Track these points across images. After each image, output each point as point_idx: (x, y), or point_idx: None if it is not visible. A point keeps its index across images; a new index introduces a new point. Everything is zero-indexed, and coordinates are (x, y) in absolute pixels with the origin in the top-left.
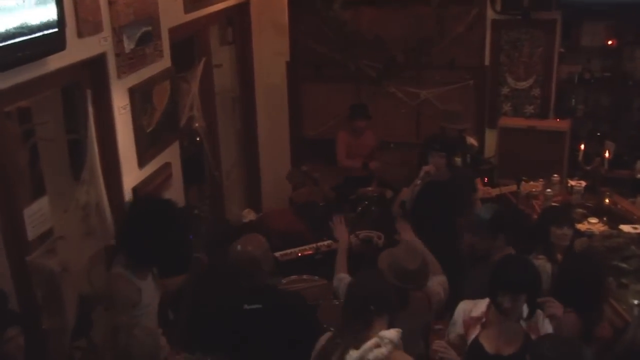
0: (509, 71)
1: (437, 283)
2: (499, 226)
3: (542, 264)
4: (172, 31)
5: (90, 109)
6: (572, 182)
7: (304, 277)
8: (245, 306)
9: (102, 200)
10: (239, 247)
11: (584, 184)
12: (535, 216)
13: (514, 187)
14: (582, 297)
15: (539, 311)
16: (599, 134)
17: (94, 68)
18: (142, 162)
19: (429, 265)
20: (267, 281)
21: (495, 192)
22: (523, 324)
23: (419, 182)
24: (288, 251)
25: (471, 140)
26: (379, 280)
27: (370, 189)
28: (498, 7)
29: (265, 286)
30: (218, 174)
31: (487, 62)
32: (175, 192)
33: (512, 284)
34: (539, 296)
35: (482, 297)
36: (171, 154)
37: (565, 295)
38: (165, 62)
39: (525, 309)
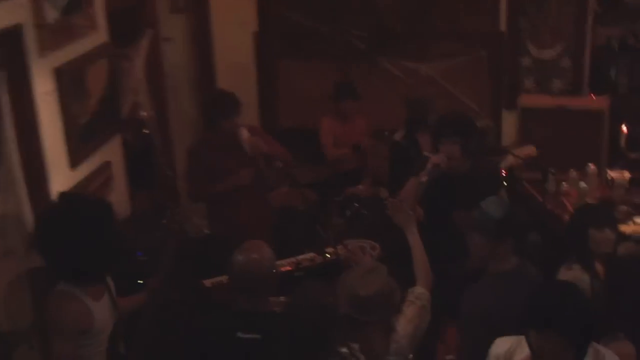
0: (531, 37)
1: (408, 320)
2: (510, 228)
3: (578, 275)
4: None
5: (5, 96)
6: (612, 174)
7: (282, 299)
8: (240, 334)
9: (23, 211)
10: (240, 256)
11: (628, 175)
12: (567, 217)
13: (531, 150)
14: (637, 320)
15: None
16: None
17: (8, 43)
18: (74, 162)
19: (395, 295)
20: (269, 302)
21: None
22: None
23: (424, 178)
24: None
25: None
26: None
27: (361, 187)
28: None
29: (265, 309)
30: (172, 175)
31: (503, 27)
32: (118, 198)
33: (547, 321)
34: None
35: (482, 323)
36: (112, 151)
37: (614, 317)
38: (100, 36)
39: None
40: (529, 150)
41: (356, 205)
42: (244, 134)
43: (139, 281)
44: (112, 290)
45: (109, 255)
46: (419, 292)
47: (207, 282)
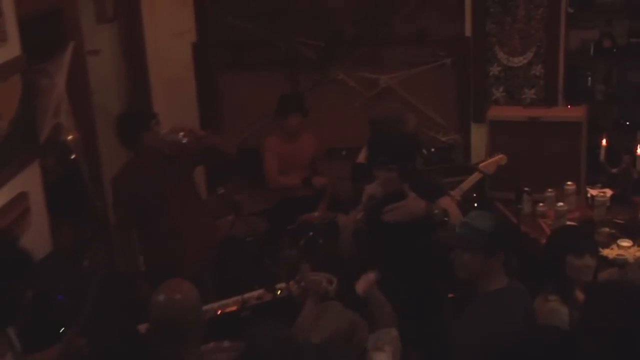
0: (500, 43)
1: None
2: (502, 241)
3: (555, 307)
4: (21, 3)
5: None
6: (592, 191)
7: (225, 344)
8: None
9: None
10: (161, 297)
11: (609, 193)
12: (544, 241)
13: (500, 158)
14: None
15: None
16: (627, 123)
17: None
18: None
19: (358, 332)
20: (197, 352)
21: (460, 190)
22: None
23: (359, 215)
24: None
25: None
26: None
27: (316, 214)
28: None
29: None
30: (101, 206)
31: (468, 31)
32: (36, 233)
33: None
34: None
35: (484, 347)
36: (28, 180)
37: (594, 354)
38: (11, 49)
39: None
40: (497, 159)
41: (310, 234)
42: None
43: (60, 329)
44: (15, 347)
45: (7, 307)
46: (393, 335)
47: (142, 328)
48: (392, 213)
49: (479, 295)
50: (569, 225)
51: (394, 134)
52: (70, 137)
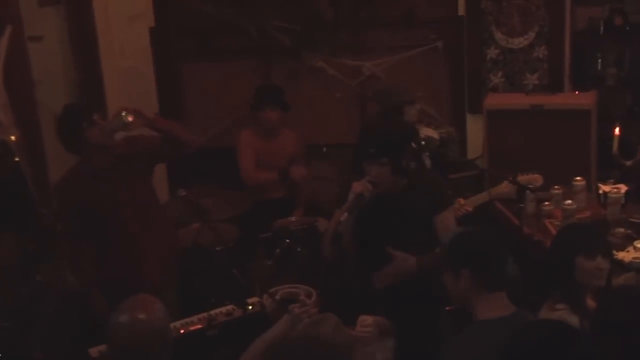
0: (497, 22)
1: None
2: (460, 258)
3: (564, 316)
4: None
5: None
6: (605, 188)
7: None
8: None
9: None
10: (121, 318)
11: (623, 189)
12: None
13: (504, 188)
14: None
15: None
16: None
17: None
18: None
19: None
20: None
21: (472, 203)
22: None
23: (343, 216)
24: None
25: (428, 132)
26: None
27: (293, 219)
28: None
29: None
30: (47, 213)
31: (461, 10)
32: None
33: None
34: None
35: None
36: None
37: None
38: None
39: None
40: (534, 177)
41: (287, 241)
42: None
43: None
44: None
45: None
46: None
47: (94, 351)
48: (380, 279)
49: (472, 323)
50: (579, 223)
51: (386, 120)
52: (11, 137)
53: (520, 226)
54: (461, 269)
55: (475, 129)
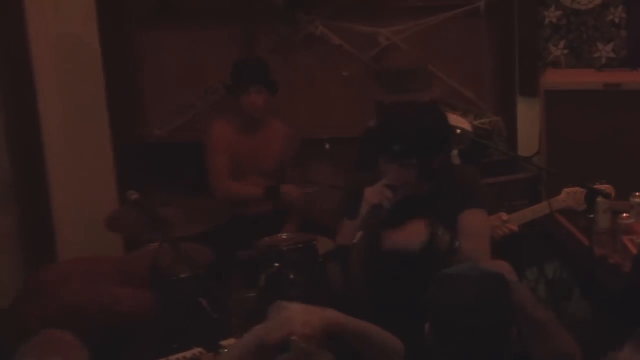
0: None
1: None
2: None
3: None
4: None
5: None
6: None
7: None
8: None
9: None
10: None
11: None
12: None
13: (564, 198)
14: None
15: None
16: None
17: None
18: None
19: None
20: None
21: (519, 219)
22: None
23: (357, 238)
24: None
25: (457, 122)
26: None
27: (283, 236)
28: None
29: None
30: None
31: None
32: None
33: None
34: None
35: None
36: None
37: None
38: None
39: None
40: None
41: (276, 265)
42: None
43: None
44: None
45: None
46: None
47: None
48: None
49: None
50: None
51: (417, 107)
52: None
53: (590, 246)
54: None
55: (529, 118)
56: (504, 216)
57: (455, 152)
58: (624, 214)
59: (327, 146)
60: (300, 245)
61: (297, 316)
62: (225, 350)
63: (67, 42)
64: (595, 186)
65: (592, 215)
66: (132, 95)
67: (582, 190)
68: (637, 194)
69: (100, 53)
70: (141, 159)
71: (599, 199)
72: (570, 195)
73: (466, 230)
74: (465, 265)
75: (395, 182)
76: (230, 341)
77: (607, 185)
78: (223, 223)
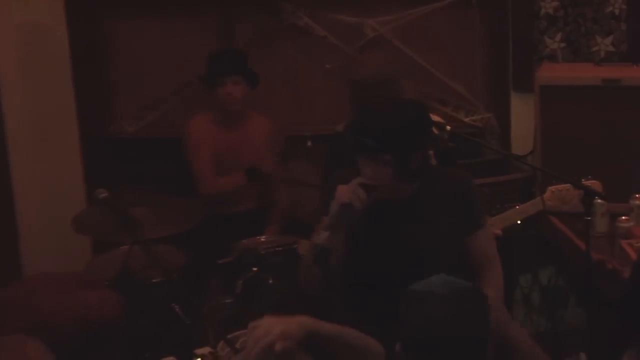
0: None
1: None
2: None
3: None
4: None
5: None
6: None
7: None
8: None
9: None
10: None
11: None
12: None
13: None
14: None
15: None
16: None
17: None
18: None
19: None
20: None
21: (503, 221)
22: None
23: (324, 234)
24: None
25: (435, 118)
26: None
27: (262, 238)
28: None
29: None
30: None
31: None
32: None
33: None
34: None
35: None
36: None
37: None
38: None
39: None
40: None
41: (254, 269)
42: None
43: None
44: None
45: None
46: None
47: None
48: None
49: None
50: None
51: (391, 100)
52: None
53: (587, 250)
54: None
55: (523, 115)
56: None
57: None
58: (623, 217)
59: (309, 144)
60: (280, 249)
61: (274, 329)
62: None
63: (31, 32)
64: (583, 182)
65: (589, 218)
66: (102, 88)
67: (568, 188)
68: (637, 195)
69: (67, 44)
70: (111, 155)
71: (597, 200)
72: (555, 194)
73: (481, 255)
74: (435, 278)
75: (370, 180)
76: (205, 350)
77: (594, 181)
78: (198, 224)
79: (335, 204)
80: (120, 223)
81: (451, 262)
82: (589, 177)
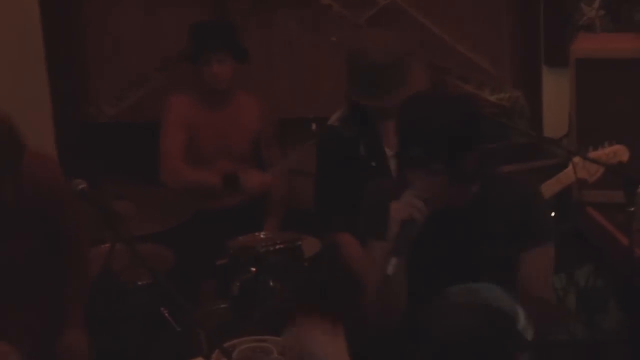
0: None
1: None
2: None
3: None
4: None
5: None
6: None
7: None
8: None
9: None
10: None
11: None
12: None
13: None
14: None
15: None
16: None
17: None
18: None
19: None
20: None
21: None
22: None
23: (391, 267)
24: None
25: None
26: None
27: (262, 235)
28: None
29: None
30: None
31: None
32: None
33: None
34: None
35: None
36: None
37: None
38: None
39: None
40: (614, 151)
41: (252, 270)
42: None
43: None
44: None
45: None
46: None
47: None
48: None
49: None
50: None
51: (430, 99)
52: None
53: (629, 246)
54: None
55: (557, 92)
56: None
57: None
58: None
59: (313, 127)
60: (281, 247)
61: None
62: None
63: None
64: (605, 148)
65: (632, 209)
66: (78, 66)
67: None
68: None
69: (39, 18)
70: (89, 142)
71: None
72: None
73: (532, 278)
74: (463, 288)
75: (424, 193)
76: None
77: (619, 146)
78: (188, 219)
79: (394, 223)
80: (101, 218)
81: (500, 279)
82: (613, 141)
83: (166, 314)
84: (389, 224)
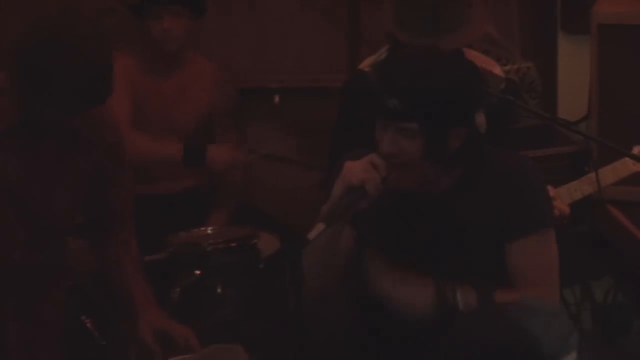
0: None
1: None
2: None
3: None
4: None
5: None
6: None
7: None
8: None
9: None
10: None
11: None
12: None
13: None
14: None
15: None
16: None
17: None
18: None
19: None
20: None
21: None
22: None
23: (319, 227)
24: None
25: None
26: None
27: (209, 230)
28: None
29: None
30: None
31: None
32: None
33: None
34: None
35: None
36: None
37: None
38: None
39: None
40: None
41: (196, 272)
42: None
43: None
44: None
45: None
46: None
47: None
48: None
49: None
50: None
51: (428, 51)
52: None
53: None
54: None
55: (575, 65)
56: (550, 191)
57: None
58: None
59: (276, 100)
60: (233, 245)
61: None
62: None
63: None
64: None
65: None
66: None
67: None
68: None
69: None
70: None
71: None
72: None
73: (521, 268)
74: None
75: (390, 156)
76: None
77: None
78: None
79: (339, 185)
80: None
81: (487, 273)
82: None
83: (89, 324)
84: (336, 184)
